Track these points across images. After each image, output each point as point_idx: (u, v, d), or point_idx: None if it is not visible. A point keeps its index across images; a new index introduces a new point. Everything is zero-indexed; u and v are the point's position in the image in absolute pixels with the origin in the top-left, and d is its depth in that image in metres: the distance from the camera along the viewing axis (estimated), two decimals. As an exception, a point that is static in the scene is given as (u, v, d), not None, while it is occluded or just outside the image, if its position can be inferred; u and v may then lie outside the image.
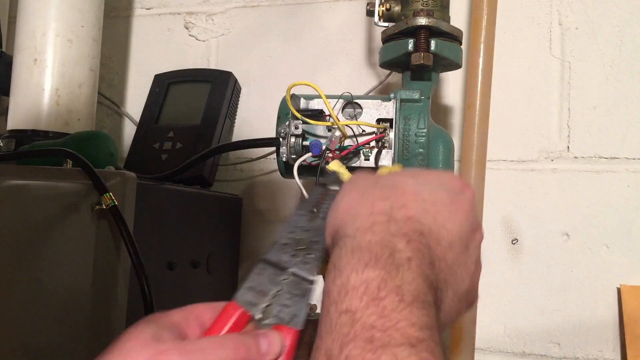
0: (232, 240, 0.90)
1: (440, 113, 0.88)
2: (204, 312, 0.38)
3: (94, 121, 0.87)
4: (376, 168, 0.62)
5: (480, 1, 0.80)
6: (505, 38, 0.86)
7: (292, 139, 0.62)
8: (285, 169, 0.66)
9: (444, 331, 0.70)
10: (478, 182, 0.80)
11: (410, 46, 0.64)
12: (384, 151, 0.62)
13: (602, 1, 0.84)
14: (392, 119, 0.63)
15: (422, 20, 0.64)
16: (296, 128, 0.61)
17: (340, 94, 0.64)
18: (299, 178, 0.61)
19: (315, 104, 0.65)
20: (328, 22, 0.96)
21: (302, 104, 0.65)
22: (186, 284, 0.73)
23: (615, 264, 0.80)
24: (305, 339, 0.40)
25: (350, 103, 0.65)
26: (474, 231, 0.40)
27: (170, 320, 0.37)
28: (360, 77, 0.93)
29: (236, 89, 0.96)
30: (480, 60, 0.80)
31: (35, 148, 0.71)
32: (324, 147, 0.60)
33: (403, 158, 0.62)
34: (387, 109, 0.64)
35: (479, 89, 0.80)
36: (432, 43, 0.64)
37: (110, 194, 0.54)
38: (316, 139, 0.62)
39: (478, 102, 0.80)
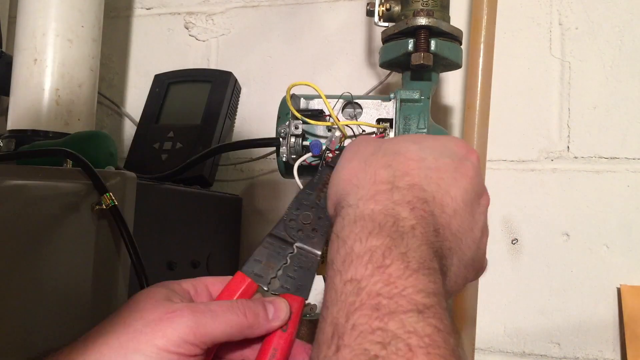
0: (232, 240, 0.90)
1: (440, 113, 0.88)
2: (213, 283, 0.40)
3: (94, 121, 0.87)
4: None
5: (480, 1, 0.80)
6: (505, 38, 0.86)
7: (292, 139, 0.62)
8: (285, 169, 0.66)
9: (450, 299, 0.69)
10: (478, 182, 0.80)
11: (410, 46, 0.64)
12: (384, 151, 0.62)
13: (602, 1, 0.84)
14: (392, 119, 0.63)
15: (422, 20, 0.64)
16: (296, 128, 0.61)
17: (340, 94, 0.64)
18: (299, 178, 0.60)
19: (315, 104, 0.65)
20: (328, 22, 0.96)
21: (302, 104, 0.65)
22: (186, 284, 0.73)
23: (615, 264, 0.80)
24: (302, 334, 0.41)
25: (350, 103, 0.65)
26: (479, 197, 0.40)
27: (182, 286, 0.38)
28: (360, 77, 0.93)
29: (236, 89, 0.96)
30: (480, 60, 0.80)
31: (35, 148, 0.71)
32: (324, 147, 0.60)
33: (403, 158, 0.62)
34: (387, 109, 0.64)
35: (479, 89, 0.80)
36: (432, 43, 0.64)
37: (110, 194, 0.54)
38: (316, 139, 0.62)
39: (478, 102, 0.80)
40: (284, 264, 0.40)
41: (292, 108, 0.60)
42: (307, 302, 0.40)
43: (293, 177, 0.62)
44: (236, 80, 0.96)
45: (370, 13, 0.70)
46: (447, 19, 0.67)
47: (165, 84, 0.97)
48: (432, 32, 0.64)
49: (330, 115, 0.62)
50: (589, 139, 0.83)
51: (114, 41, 1.05)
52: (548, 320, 0.82)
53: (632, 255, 0.80)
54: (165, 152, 0.88)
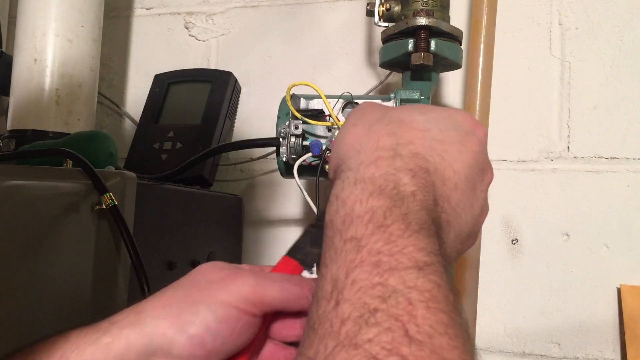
0: (232, 240, 0.90)
1: (440, 113, 0.88)
2: (264, 268, 0.41)
3: (94, 121, 0.87)
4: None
5: (480, 1, 0.80)
6: (505, 38, 0.86)
7: (292, 139, 0.62)
8: (285, 169, 0.66)
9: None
10: (478, 182, 0.80)
11: (410, 46, 0.65)
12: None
13: (602, 1, 0.84)
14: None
15: (422, 20, 0.64)
16: (296, 128, 0.61)
17: (340, 94, 0.64)
18: (299, 178, 0.61)
19: (315, 104, 0.65)
20: (328, 22, 0.96)
21: (302, 104, 0.65)
22: (186, 284, 0.73)
23: (615, 264, 0.80)
24: None
25: (350, 103, 0.65)
26: (482, 172, 0.39)
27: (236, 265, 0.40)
28: (360, 77, 0.93)
29: (236, 89, 0.96)
30: (480, 60, 0.80)
31: (35, 148, 0.71)
32: (324, 147, 0.60)
33: (403, 158, 0.62)
34: (387, 109, 0.64)
35: (479, 89, 0.80)
36: (432, 43, 0.64)
37: (110, 194, 0.54)
38: (316, 139, 0.62)
39: (478, 102, 0.80)
40: None
41: (292, 108, 0.60)
42: None
43: (293, 177, 0.62)
44: (236, 80, 0.96)
45: (370, 13, 0.71)
46: (447, 19, 0.67)
47: (165, 84, 0.97)
48: (432, 32, 0.64)
49: (330, 115, 0.62)
50: (589, 139, 0.83)
51: (114, 41, 1.05)
52: (548, 320, 0.82)
53: (632, 255, 0.80)
54: (165, 152, 0.88)
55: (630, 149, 0.81)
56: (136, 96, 1.04)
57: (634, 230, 0.80)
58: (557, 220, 0.83)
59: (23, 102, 0.82)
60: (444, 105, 0.89)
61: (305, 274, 0.40)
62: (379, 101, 0.65)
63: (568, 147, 0.84)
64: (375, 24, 0.70)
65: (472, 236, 0.39)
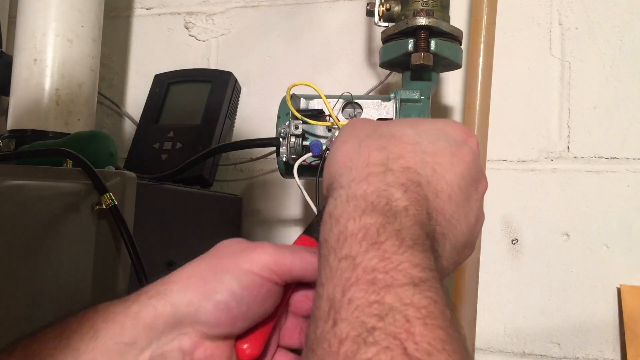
0: (232, 240, 0.90)
1: (440, 113, 0.88)
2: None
3: (94, 121, 0.87)
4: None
5: (480, 1, 0.80)
6: (505, 38, 0.86)
7: (292, 139, 0.62)
8: (285, 169, 0.66)
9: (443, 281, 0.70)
10: (478, 182, 0.80)
11: (410, 46, 0.64)
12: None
13: (602, 1, 0.84)
14: (392, 119, 0.63)
15: (422, 20, 0.64)
16: (296, 128, 0.61)
17: (340, 94, 0.64)
18: (299, 178, 0.61)
19: (315, 104, 0.65)
20: (328, 22, 0.96)
21: (302, 104, 0.65)
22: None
23: (615, 264, 0.80)
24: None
25: (350, 103, 0.65)
26: (476, 182, 0.39)
27: None
28: (360, 77, 0.93)
29: (236, 89, 0.96)
30: (480, 60, 0.80)
31: (35, 148, 0.71)
32: (324, 147, 0.60)
33: (403, 158, 0.62)
34: (387, 109, 0.64)
35: (479, 89, 0.80)
36: (432, 43, 0.64)
37: (110, 194, 0.54)
38: (316, 139, 0.62)
39: (478, 102, 0.80)
40: None
41: (292, 108, 0.60)
42: None
43: (293, 177, 0.62)
44: (236, 80, 0.96)
45: (370, 13, 0.70)
46: (447, 19, 0.67)
47: (165, 84, 0.97)
48: (432, 32, 0.64)
49: (330, 115, 0.62)
50: (589, 139, 0.83)
51: (114, 41, 1.05)
52: (548, 320, 0.82)
53: (632, 255, 0.80)
54: (165, 152, 0.88)
55: (630, 149, 0.81)
56: (136, 96, 1.04)
57: (634, 230, 0.80)
58: (557, 220, 0.83)
59: (23, 102, 0.82)
60: (444, 106, 0.89)
61: None
62: (379, 101, 0.65)
63: (568, 147, 0.84)
64: (375, 24, 0.70)
65: (469, 246, 0.39)
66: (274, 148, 0.65)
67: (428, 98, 0.65)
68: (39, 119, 0.80)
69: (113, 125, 1.05)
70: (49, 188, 0.53)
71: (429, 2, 0.66)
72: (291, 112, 0.61)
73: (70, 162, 0.59)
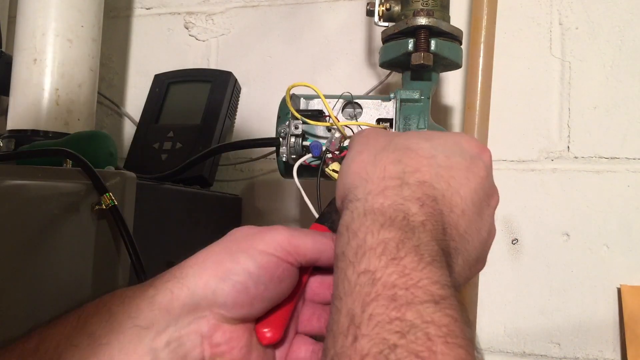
0: (232, 240, 0.89)
1: (440, 113, 0.88)
2: None
3: (94, 121, 0.87)
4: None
5: (480, 1, 0.80)
6: (505, 38, 0.86)
7: (292, 139, 0.62)
8: (285, 169, 0.66)
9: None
10: (478, 182, 0.80)
11: (410, 46, 0.64)
12: (384, 151, 0.62)
13: (602, 1, 0.84)
14: (392, 119, 0.63)
15: (422, 20, 0.63)
16: (296, 128, 0.61)
17: (340, 94, 0.64)
18: (299, 178, 0.60)
19: (315, 104, 0.65)
20: (328, 22, 0.96)
21: (302, 104, 0.65)
22: (186, 284, 0.73)
23: (615, 264, 0.80)
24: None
25: (350, 103, 0.65)
26: (489, 197, 0.40)
27: None
28: (360, 77, 0.93)
29: (236, 89, 0.96)
30: (480, 60, 0.80)
31: (35, 148, 0.71)
32: (324, 149, 0.60)
33: (403, 158, 0.62)
34: (387, 109, 0.64)
35: (479, 89, 0.80)
36: (432, 43, 0.64)
37: (110, 194, 0.54)
38: (316, 139, 0.62)
39: (478, 102, 0.80)
40: None
41: (291, 108, 0.60)
42: None
43: (293, 177, 0.62)
44: (236, 80, 0.96)
45: (370, 13, 0.70)
46: (447, 18, 0.67)
47: (165, 84, 0.97)
48: (432, 32, 0.64)
49: (330, 116, 0.62)
50: (589, 139, 0.83)
51: (114, 41, 1.05)
52: (548, 320, 0.82)
53: (632, 255, 0.80)
54: (165, 152, 0.88)
55: (630, 149, 0.81)
56: (136, 96, 1.04)
57: (634, 230, 0.80)
58: (557, 220, 0.83)
59: (23, 102, 0.82)
60: (444, 106, 0.89)
61: None
62: (379, 101, 0.65)
63: (568, 147, 0.84)
64: (375, 23, 0.70)
65: (480, 261, 0.40)
66: (274, 148, 0.65)
67: (428, 98, 0.65)
68: (38, 119, 0.80)
69: (113, 125, 1.05)
70: (49, 188, 0.53)
71: (429, 2, 0.66)
72: (291, 113, 0.61)
73: (70, 162, 0.59)
